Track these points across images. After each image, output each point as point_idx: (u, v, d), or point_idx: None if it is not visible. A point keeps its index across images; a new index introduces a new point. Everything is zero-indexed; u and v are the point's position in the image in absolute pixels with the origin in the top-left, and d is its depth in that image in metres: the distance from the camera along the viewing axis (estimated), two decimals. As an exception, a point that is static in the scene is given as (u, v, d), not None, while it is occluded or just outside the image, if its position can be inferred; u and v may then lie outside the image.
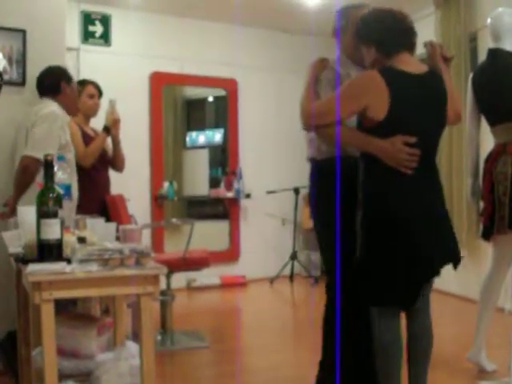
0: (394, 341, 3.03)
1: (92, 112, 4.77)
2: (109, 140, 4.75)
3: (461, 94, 6.07)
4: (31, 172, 3.73)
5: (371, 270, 2.93)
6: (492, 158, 3.95)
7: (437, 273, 3.10)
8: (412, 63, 2.93)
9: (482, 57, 4.35)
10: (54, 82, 4.08)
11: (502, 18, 4.03)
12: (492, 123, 4.03)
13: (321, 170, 3.30)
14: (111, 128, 4.63)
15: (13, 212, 3.41)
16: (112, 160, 4.79)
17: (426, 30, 6.80)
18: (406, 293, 2.99)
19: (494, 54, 4.04)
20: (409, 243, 2.87)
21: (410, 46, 2.97)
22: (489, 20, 4.12)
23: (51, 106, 3.94)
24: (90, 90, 4.75)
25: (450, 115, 3.04)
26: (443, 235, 2.97)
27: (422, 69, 2.95)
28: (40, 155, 3.61)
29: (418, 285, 3.04)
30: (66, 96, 4.07)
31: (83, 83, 4.77)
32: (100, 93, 4.83)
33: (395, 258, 2.88)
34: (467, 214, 6.25)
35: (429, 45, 3.14)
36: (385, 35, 2.93)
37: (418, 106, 2.89)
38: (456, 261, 3.13)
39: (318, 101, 3.05)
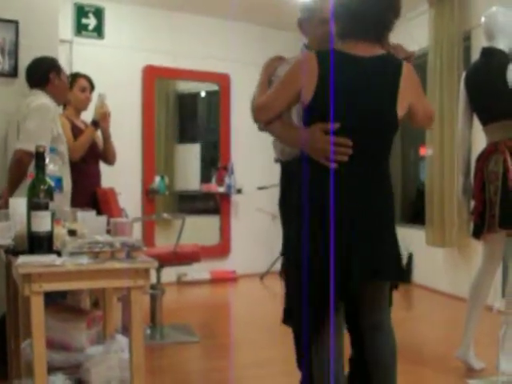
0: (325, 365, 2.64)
1: (83, 105, 4.76)
2: (100, 134, 4.74)
3: (454, 92, 6.10)
4: (25, 165, 3.71)
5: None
6: (484, 156, 3.96)
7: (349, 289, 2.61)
8: (362, 47, 2.58)
9: (476, 56, 4.36)
10: (42, 73, 4.06)
11: (495, 17, 4.03)
12: (484, 122, 4.03)
13: (284, 172, 3.22)
14: (100, 122, 4.61)
15: (7, 205, 3.40)
16: (103, 153, 4.78)
17: (420, 29, 6.82)
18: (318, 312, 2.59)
19: (488, 52, 4.05)
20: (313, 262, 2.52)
21: (370, 35, 2.60)
22: (483, 19, 4.13)
23: (42, 98, 3.92)
24: (82, 83, 4.73)
25: (419, 116, 2.69)
26: (373, 244, 2.57)
27: (371, 52, 2.58)
28: (33, 148, 3.59)
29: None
30: (55, 87, 4.05)
31: (75, 76, 4.76)
32: (92, 86, 4.81)
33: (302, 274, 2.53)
34: (458, 213, 6.27)
35: (392, 47, 2.79)
36: (343, 19, 2.64)
37: (350, 90, 2.51)
38: (385, 278, 2.69)
39: (263, 96, 2.78)
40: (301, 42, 3.31)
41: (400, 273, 2.78)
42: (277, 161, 3.32)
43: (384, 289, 2.78)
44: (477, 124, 4.13)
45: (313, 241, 2.52)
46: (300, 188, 2.58)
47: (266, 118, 2.70)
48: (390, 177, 2.69)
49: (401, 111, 2.58)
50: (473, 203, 4.09)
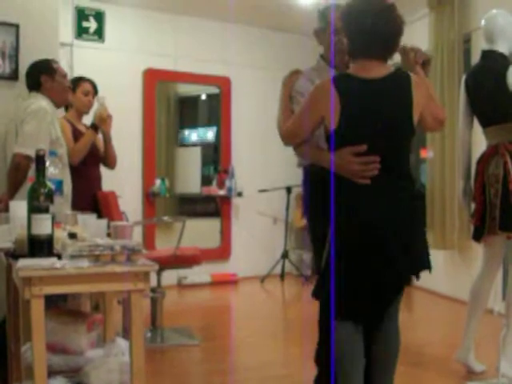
0: (352, 352, 2.89)
1: (85, 109, 4.76)
2: (101, 137, 4.74)
3: (454, 95, 6.10)
4: (23, 169, 3.71)
5: (336, 283, 2.80)
6: (484, 159, 3.96)
7: (401, 286, 2.94)
8: (373, 68, 2.76)
9: (476, 58, 4.37)
10: (34, 78, 4.06)
11: (495, 19, 4.03)
12: (484, 125, 4.04)
13: (309, 176, 3.27)
14: (99, 125, 4.60)
15: (7, 209, 3.40)
16: (104, 157, 4.77)
17: (420, 32, 6.82)
18: (371, 307, 2.87)
19: (488, 55, 4.05)
20: (362, 262, 2.73)
21: (381, 55, 2.79)
22: (483, 22, 4.13)
23: (40, 101, 3.92)
24: (86, 87, 4.73)
25: (429, 121, 2.87)
26: (409, 245, 2.76)
27: (382, 72, 2.77)
28: (31, 152, 3.60)
29: (382, 299, 2.89)
30: (49, 89, 4.03)
31: (79, 80, 4.76)
32: (96, 91, 4.81)
33: (358, 274, 2.75)
34: (459, 215, 6.26)
35: (402, 50, 2.97)
36: (357, 39, 2.79)
37: (371, 112, 2.72)
38: (423, 269, 2.88)
39: (288, 121, 2.97)
40: (317, 51, 3.38)
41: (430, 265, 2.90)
42: (300, 165, 3.35)
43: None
44: (477, 127, 4.14)
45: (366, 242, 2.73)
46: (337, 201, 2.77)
47: (294, 143, 2.98)
48: (412, 177, 2.93)
49: (416, 119, 2.80)
50: (473, 206, 4.09)
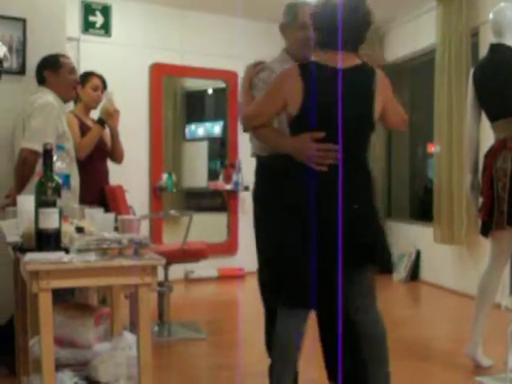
0: (288, 340, 2.94)
1: (93, 104, 4.75)
2: (108, 132, 4.73)
3: (462, 89, 6.09)
4: (30, 164, 3.72)
5: (272, 269, 2.99)
6: (492, 153, 3.95)
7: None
8: (339, 59, 2.82)
9: (484, 52, 4.34)
10: (39, 72, 4.07)
11: (504, 12, 4.02)
12: (492, 118, 4.02)
13: (263, 167, 3.34)
14: (106, 120, 4.60)
15: (15, 204, 3.41)
16: (111, 152, 4.77)
17: (428, 25, 6.81)
18: (306, 291, 2.84)
19: (496, 49, 4.04)
20: (305, 243, 2.79)
21: (346, 46, 2.83)
22: (491, 15, 4.12)
23: (46, 96, 3.92)
24: (95, 82, 4.72)
25: (392, 118, 2.97)
26: (356, 235, 2.79)
27: (348, 63, 2.83)
28: (38, 147, 3.60)
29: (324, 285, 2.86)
30: (53, 84, 4.03)
31: (89, 74, 4.74)
32: (105, 86, 4.80)
33: (298, 261, 2.83)
34: (466, 210, 6.25)
35: (365, 55, 3.02)
36: (322, 30, 2.87)
37: (333, 100, 2.75)
38: (368, 262, 2.93)
39: (250, 105, 3.05)
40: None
41: (382, 259, 2.99)
42: (253, 155, 3.45)
43: (368, 275, 3.00)
44: (485, 120, 4.12)
45: (305, 232, 2.79)
46: (291, 187, 2.88)
47: (253, 126, 3.00)
48: (369, 167, 2.99)
49: (377, 114, 2.88)
50: (481, 200, 4.08)
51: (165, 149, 7.77)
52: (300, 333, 2.95)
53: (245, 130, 3.09)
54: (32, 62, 4.22)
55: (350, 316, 2.97)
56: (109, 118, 4.59)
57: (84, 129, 4.54)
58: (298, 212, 2.82)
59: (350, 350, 3.02)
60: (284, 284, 2.92)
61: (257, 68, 3.28)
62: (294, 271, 2.85)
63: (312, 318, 3.18)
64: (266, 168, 3.27)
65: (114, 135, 4.72)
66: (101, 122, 4.58)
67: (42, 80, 4.06)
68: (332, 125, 2.75)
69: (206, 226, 7.21)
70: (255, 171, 3.42)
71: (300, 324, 2.94)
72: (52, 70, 4.04)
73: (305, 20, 3.14)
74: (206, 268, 7.23)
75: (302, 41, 3.20)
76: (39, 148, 3.55)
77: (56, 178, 2.32)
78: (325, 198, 2.77)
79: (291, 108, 2.82)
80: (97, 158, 4.58)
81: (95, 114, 4.78)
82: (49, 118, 3.83)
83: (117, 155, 4.79)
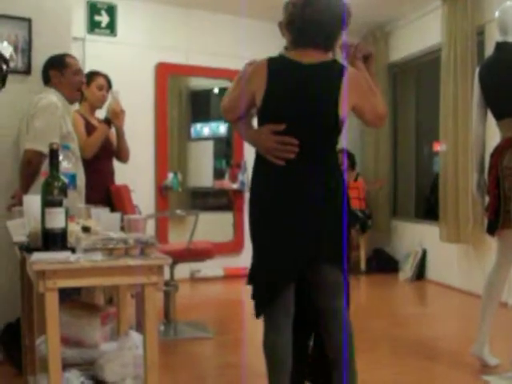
0: (272, 345, 2.91)
1: (99, 103, 4.75)
2: (114, 131, 4.74)
3: (468, 87, 6.07)
4: (35, 165, 3.72)
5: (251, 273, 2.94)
6: (498, 151, 3.94)
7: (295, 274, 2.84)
8: (308, 54, 2.81)
9: (490, 50, 4.34)
10: (44, 72, 4.08)
11: (510, 11, 4.00)
12: (498, 117, 4.01)
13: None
14: (112, 119, 4.60)
15: (21, 204, 3.42)
16: (116, 151, 4.77)
17: (433, 24, 6.80)
18: (267, 293, 2.82)
19: (502, 47, 4.03)
20: (265, 243, 2.81)
21: (316, 44, 2.82)
22: (497, 13, 4.10)
23: (50, 96, 3.92)
24: (100, 81, 4.72)
25: (367, 115, 2.88)
26: (306, 236, 2.76)
27: (315, 59, 2.81)
28: (42, 147, 3.61)
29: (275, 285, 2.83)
30: (58, 84, 4.03)
31: (94, 74, 4.75)
32: (110, 86, 4.81)
33: (255, 255, 2.88)
34: (472, 209, 6.24)
35: (341, 45, 3.00)
36: (292, 28, 2.89)
37: (294, 95, 2.75)
38: (321, 259, 2.82)
39: (226, 97, 3.06)
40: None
41: (339, 258, 2.84)
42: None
43: (335, 274, 2.86)
44: (491, 119, 4.11)
45: (265, 227, 2.82)
46: (257, 179, 2.91)
47: (230, 118, 3.06)
48: (335, 170, 2.89)
49: (342, 111, 2.76)
50: (487, 199, 4.07)
51: (170, 148, 7.77)
52: (285, 341, 2.88)
53: (226, 121, 3.10)
54: (37, 62, 4.22)
55: (315, 317, 2.94)
56: (115, 118, 4.59)
57: (90, 128, 4.55)
58: (259, 209, 2.84)
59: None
60: (255, 290, 2.90)
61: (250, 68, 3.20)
62: (259, 274, 2.86)
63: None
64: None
65: (120, 134, 4.72)
66: (107, 121, 4.58)
67: (47, 80, 4.07)
68: (293, 119, 2.75)
69: (212, 226, 7.22)
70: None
71: (282, 331, 2.88)
72: (57, 69, 4.05)
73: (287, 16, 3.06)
74: (212, 267, 7.24)
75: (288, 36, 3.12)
76: (43, 148, 3.56)
77: (62, 177, 2.32)
78: (283, 192, 2.77)
79: (257, 100, 2.83)
80: (103, 157, 4.58)
81: (100, 114, 4.79)
82: (52, 119, 3.83)
83: (123, 154, 4.80)
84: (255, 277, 2.89)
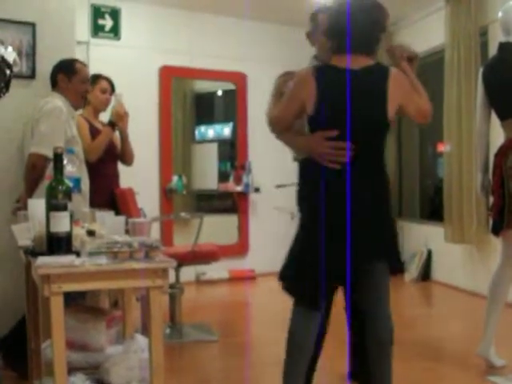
0: (299, 339, 3.01)
1: (102, 106, 4.76)
2: (118, 134, 4.74)
3: (471, 88, 6.07)
4: (39, 169, 3.73)
5: (292, 269, 3.04)
6: (502, 152, 3.94)
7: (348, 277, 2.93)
8: (352, 60, 2.92)
9: (493, 51, 4.34)
10: (52, 75, 4.09)
11: (513, 11, 4.00)
12: (502, 117, 4.01)
13: (300, 170, 3.40)
14: (116, 122, 4.61)
15: (25, 208, 3.42)
16: (121, 154, 4.78)
17: (437, 24, 6.79)
18: (315, 293, 2.93)
19: (505, 47, 4.03)
20: (317, 244, 2.86)
21: (359, 49, 2.93)
22: (500, 13, 4.10)
23: (55, 101, 3.93)
24: (104, 85, 4.74)
25: (411, 113, 2.99)
26: (362, 237, 2.86)
27: (360, 64, 2.92)
28: (46, 152, 3.62)
29: (329, 286, 2.99)
30: (64, 89, 4.05)
31: (97, 77, 4.76)
32: (113, 89, 4.82)
33: (304, 258, 2.94)
34: (476, 209, 6.23)
35: (388, 48, 3.17)
36: (334, 36, 2.98)
37: (345, 101, 2.84)
38: (378, 259, 2.96)
39: (275, 109, 3.17)
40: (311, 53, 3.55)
41: (395, 260, 3.05)
42: (295, 160, 3.49)
43: (383, 275, 3.00)
44: (495, 119, 4.11)
45: (319, 226, 2.88)
46: (311, 184, 2.98)
47: (279, 130, 3.15)
48: (384, 166, 3.05)
49: (391, 112, 2.90)
50: (492, 199, 4.07)
51: (175, 151, 7.78)
52: (312, 333, 3.00)
53: (273, 133, 3.22)
54: (42, 66, 4.24)
55: (361, 314, 3.02)
56: (119, 120, 4.60)
57: (94, 132, 4.55)
58: (313, 212, 2.91)
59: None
60: (298, 284, 3.00)
61: (286, 77, 3.36)
62: (308, 273, 2.91)
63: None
64: (302, 171, 3.34)
65: (124, 137, 4.73)
66: (111, 124, 4.59)
67: (54, 83, 4.08)
68: (344, 124, 2.83)
69: (217, 228, 7.22)
70: (297, 175, 3.49)
71: (312, 324, 2.99)
72: (65, 74, 4.06)
73: (324, 28, 3.19)
74: (217, 270, 7.23)
75: (324, 46, 3.26)
76: (47, 152, 3.57)
77: (67, 181, 2.33)
78: (338, 195, 2.84)
79: (308, 109, 2.91)
80: (107, 160, 4.59)
81: (104, 117, 4.79)
82: (57, 123, 3.84)
83: (127, 157, 4.80)
84: (304, 275, 2.94)
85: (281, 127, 3.12)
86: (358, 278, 2.93)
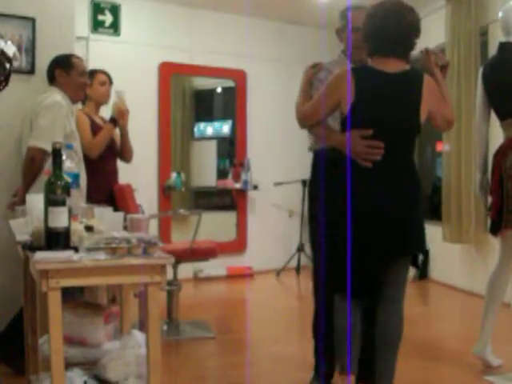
0: (345, 326, 3.10)
1: (104, 99, 4.76)
2: (117, 131, 4.74)
3: (471, 88, 6.07)
4: (38, 163, 3.73)
5: (330, 260, 3.19)
6: (501, 152, 3.94)
7: (384, 266, 3.10)
8: (389, 63, 3.02)
9: (493, 51, 4.33)
10: (50, 71, 4.09)
11: (513, 11, 4.00)
12: (502, 117, 4.01)
13: (317, 158, 3.53)
14: (118, 119, 4.61)
15: (23, 202, 3.42)
16: (120, 151, 4.78)
17: (437, 24, 6.78)
18: (357, 282, 3.00)
19: (505, 47, 4.02)
20: (356, 237, 2.93)
21: (395, 53, 3.03)
22: (500, 13, 4.10)
23: (54, 95, 3.93)
24: (101, 77, 4.74)
25: (438, 121, 3.10)
26: (397, 230, 3.00)
27: (397, 68, 3.02)
28: (45, 146, 3.61)
29: (367, 276, 3.06)
30: (63, 84, 4.04)
31: (94, 72, 4.76)
32: (110, 81, 4.81)
33: (344, 251, 2.97)
34: (475, 209, 6.23)
35: (424, 52, 3.22)
36: (371, 39, 3.06)
37: (382, 102, 2.97)
38: (413, 251, 3.22)
39: (307, 103, 3.25)
40: (331, 44, 3.81)
41: (423, 247, 3.23)
42: (311, 149, 3.62)
43: (407, 267, 3.21)
44: (494, 119, 4.11)
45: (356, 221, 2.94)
46: (341, 177, 3.02)
47: (310, 123, 3.25)
48: (415, 167, 3.17)
49: (423, 116, 3.03)
50: (490, 199, 4.07)
51: (173, 148, 7.78)
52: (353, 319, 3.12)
53: (302, 127, 3.32)
54: (41, 61, 4.23)
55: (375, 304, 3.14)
56: (121, 117, 4.60)
57: (95, 128, 4.55)
58: (345, 204, 2.96)
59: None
60: (338, 274, 3.08)
61: (315, 69, 3.42)
62: (341, 263, 2.98)
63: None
64: (324, 161, 3.42)
65: (124, 134, 4.73)
66: (113, 120, 4.59)
67: (52, 79, 4.07)
68: (379, 124, 2.96)
69: (215, 225, 7.21)
70: (312, 165, 3.60)
71: (354, 311, 3.10)
72: (63, 69, 4.06)
73: (355, 24, 3.33)
74: (214, 267, 7.24)
75: (353, 43, 3.41)
76: (46, 146, 3.56)
77: (65, 176, 2.33)
78: (370, 191, 2.97)
79: (344, 107, 3.00)
80: (107, 157, 4.59)
81: (105, 113, 4.79)
82: (57, 117, 3.84)
83: (126, 154, 4.80)
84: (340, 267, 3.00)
85: (311, 122, 3.21)
86: (383, 273, 3.09)
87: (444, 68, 3.22)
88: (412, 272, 7.29)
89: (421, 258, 7.31)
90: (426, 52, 3.22)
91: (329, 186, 3.22)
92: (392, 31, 2.99)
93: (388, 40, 3.01)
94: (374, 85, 3.00)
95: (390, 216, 2.97)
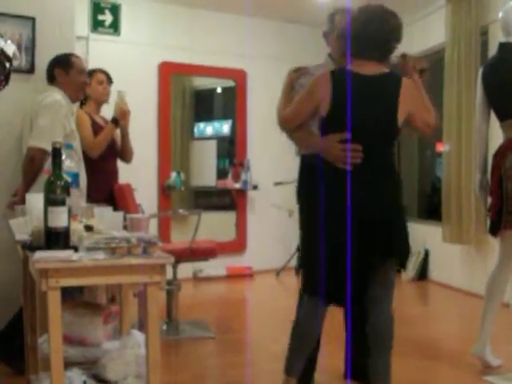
0: (308, 329, 3.24)
1: (104, 97, 4.76)
2: (118, 131, 4.74)
3: (471, 88, 6.07)
4: (38, 163, 3.73)
5: (304, 263, 3.30)
6: (501, 152, 3.94)
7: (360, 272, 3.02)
8: (368, 66, 3.04)
9: (493, 51, 4.33)
10: (49, 70, 4.09)
11: (513, 12, 4.00)
12: (502, 118, 4.01)
13: (304, 164, 3.49)
14: (120, 119, 4.61)
15: (23, 202, 3.42)
16: (120, 151, 4.78)
17: (437, 24, 6.79)
18: (333, 287, 3.03)
19: (505, 47, 4.02)
20: (328, 241, 2.96)
21: (374, 57, 3.05)
22: (500, 14, 4.10)
23: (54, 95, 3.93)
24: (99, 76, 4.74)
25: (418, 123, 3.10)
26: (381, 231, 3.00)
27: (375, 71, 3.04)
28: (45, 145, 3.61)
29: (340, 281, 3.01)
30: (62, 83, 4.04)
31: (92, 72, 4.76)
32: (110, 80, 4.81)
33: (316, 253, 3.00)
34: (475, 210, 6.23)
35: (401, 57, 3.24)
36: (352, 42, 3.07)
37: (358, 104, 2.94)
38: (394, 256, 3.12)
39: (288, 107, 3.23)
40: (325, 51, 3.62)
41: (406, 252, 3.18)
42: (297, 154, 3.60)
43: (393, 269, 3.18)
44: (494, 119, 4.11)
45: (337, 224, 2.95)
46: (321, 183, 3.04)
47: (290, 128, 3.23)
48: (395, 169, 3.20)
49: (400, 119, 3.02)
50: (490, 200, 4.07)
51: (173, 147, 7.79)
52: (318, 322, 3.19)
53: (282, 131, 3.30)
54: (41, 60, 4.23)
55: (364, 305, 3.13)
56: (122, 118, 4.60)
57: (96, 127, 4.56)
58: (324, 207, 2.99)
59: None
60: (309, 275, 3.25)
61: (297, 73, 3.41)
62: (318, 265, 3.00)
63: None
64: (307, 166, 3.41)
65: (125, 135, 4.73)
66: (114, 121, 4.59)
67: (51, 78, 4.07)
68: (356, 127, 2.95)
69: (215, 225, 7.21)
70: (299, 170, 3.57)
71: (319, 314, 3.17)
72: (62, 69, 4.06)
73: (340, 31, 3.31)
74: (214, 267, 7.24)
75: (338, 49, 3.38)
76: (46, 146, 3.56)
77: (65, 176, 2.32)
78: (345, 195, 2.93)
79: (322, 110, 3.03)
80: (108, 157, 4.59)
81: (105, 112, 4.79)
82: (56, 117, 3.84)
83: (126, 155, 4.81)
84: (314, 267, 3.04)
85: (292, 126, 3.20)
86: (368, 275, 3.06)
87: (423, 73, 3.23)
88: (412, 272, 7.30)
89: (421, 257, 7.33)
90: (403, 57, 3.23)
91: (312, 191, 3.16)
92: (372, 36, 3.02)
93: (368, 44, 3.03)
94: (350, 87, 2.98)
95: (374, 217, 2.98)
